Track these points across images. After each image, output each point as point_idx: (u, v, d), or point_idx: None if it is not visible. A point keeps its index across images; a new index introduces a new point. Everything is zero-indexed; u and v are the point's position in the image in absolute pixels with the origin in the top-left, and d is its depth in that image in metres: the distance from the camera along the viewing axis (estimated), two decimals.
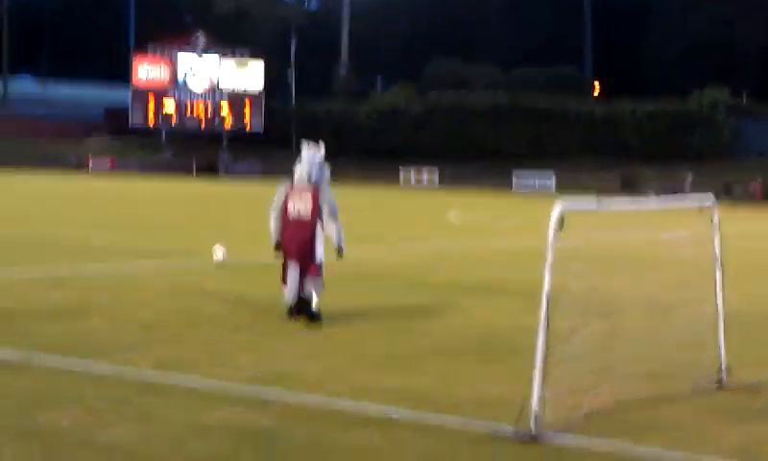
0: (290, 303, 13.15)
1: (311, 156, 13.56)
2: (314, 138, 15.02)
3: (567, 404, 8.28)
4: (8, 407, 8.10)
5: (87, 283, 15.99)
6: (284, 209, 13.30)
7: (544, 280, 8.01)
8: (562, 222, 8.01)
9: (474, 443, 7.77)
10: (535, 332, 11.47)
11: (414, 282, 17.68)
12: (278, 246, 13.38)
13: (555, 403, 8.09)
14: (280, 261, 13.28)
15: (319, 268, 13.12)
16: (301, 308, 13.06)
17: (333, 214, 13.27)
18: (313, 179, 13.38)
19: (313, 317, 12.94)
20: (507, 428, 7.95)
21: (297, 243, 13.14)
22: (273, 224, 13.48)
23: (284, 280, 13.22)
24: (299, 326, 12.63)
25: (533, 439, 7.80)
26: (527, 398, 7.98)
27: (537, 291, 15.82)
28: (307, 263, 13.06)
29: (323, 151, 13.67)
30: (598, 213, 9.29)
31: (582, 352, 8.68)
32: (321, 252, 13.19)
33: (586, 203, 8.91)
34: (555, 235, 8.02)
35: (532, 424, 7.85)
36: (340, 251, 13.36)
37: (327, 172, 13.73)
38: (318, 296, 13.07)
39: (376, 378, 9.80)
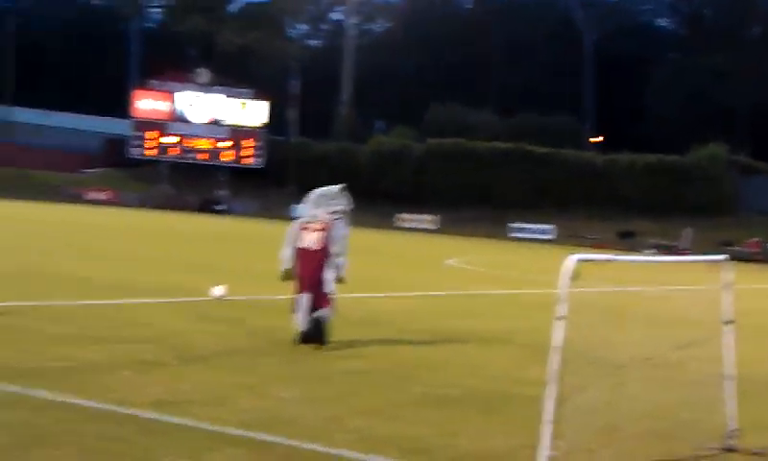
0: (300, 329, 14.24)
1: (317, 192, 14.92)
2: (312, 178, 16.39)
3: None
4: (3, 443, 7.92)
5: (84, 318, 15.83)
6: (297, 243, 14.52)
7: (555, 332, 7.82)
8: (576, 273, 7.85)
9: None
10: (538, 384, 11.30)
11: (414, 329, 17.53)
12: (287, 274, 14.64)
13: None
14: (292, 292, 14.44)
15: (329, 299, 14.30)
16: (308, 336, 14.14)
17: (342, 251, 14.53)
18: (321, 214, 14.60)
19: (323, 342, 14.14)
20: None
21: (308, 274, 14.32)
22: (285, 251, 14.66)
23: (295, 310, 14.35)
24: (300, 368, 12.48)
25: None
26: (533, 453, 7.81)
27: (540, 341, 15.70)
28: (318, 293, 14.24)
29: (336, 187, 15.06)
30: (609, 265, 9.13)
31: (588, 409, 8.51)
32: (331, 282, 14.40)
33: (601, 255, 8.75)
34: (567, 287, 7.85)
35: None
36: (341, 280, 14.56)
37: (344, 203, 14.95)
38: (326, 325, 14.27)
39: (377, 427, 9.63)
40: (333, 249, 14.40)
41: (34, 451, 7.78)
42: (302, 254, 14.43)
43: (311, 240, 14.42)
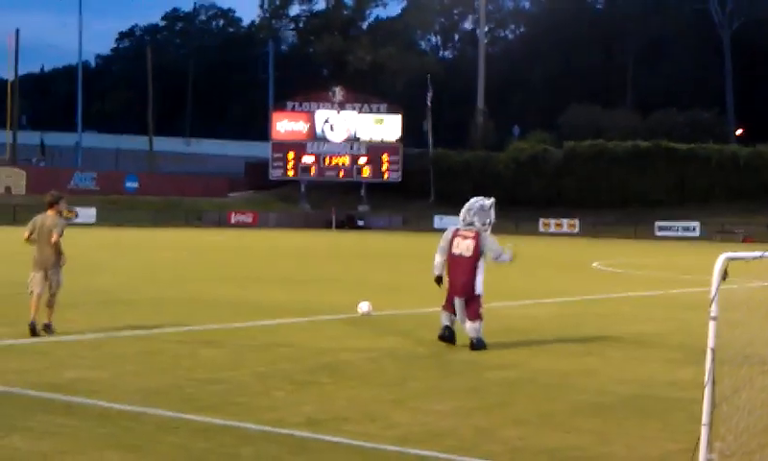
0: (448, 322, 15.46)
1: (472, 201, 15.84)
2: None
3: None
4: None
5: (236, 340, 16.10)
6: (449, 250, 15.52)
7: (709, 332, 7.65)
8: (725, 272, 7.68)
9: None
10: (692, 387, 11.12)
11: (563, 336, 17.37)
12: (439, 279, 15.78)
13: None
14: (443, 293, 15.58)
15: (478, 307, 15.25)
16: (448, 336, 15.37)
17: (497, 257, 15.71)
18: (476, 224, 15.60)
19: (480, 346, 15.06)
20: None
21: (460, 279, 15.32)
22: (437, 259, 15.78)
23: (446, 307, 15.48)
24: (450, 381, 12.49)
25: None
26: (692, 458, 7.66)
27: (691, 343, 15.43)
28: (471, 296, 15.24)
29: (489, 200, 15.89)
30: (760, 262, 8.89)
31: (746, 410, 8.32)
32: (480, 287, 15.35)
33: (749, 252, 8.54)
34: (719, 286, 7.67)
35: None
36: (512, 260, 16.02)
37: (492, 216, 15.84)
38: (479, 333, 15.17)
39: (530, 437, 9.57)
40: (488, 255, 15.51)
41: None
42: (456, 260, 15.44)
43: (464, 247, 15.41)
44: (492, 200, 15.92)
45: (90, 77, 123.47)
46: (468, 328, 15.19)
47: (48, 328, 15.93)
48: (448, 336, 15.51)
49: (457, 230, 15.70)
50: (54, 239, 16.02)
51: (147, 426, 9.66)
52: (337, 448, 8.95)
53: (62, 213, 16.84)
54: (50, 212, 16.44)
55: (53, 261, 16.20)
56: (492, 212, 15.82)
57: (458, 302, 15.31)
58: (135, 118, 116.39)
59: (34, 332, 15.62)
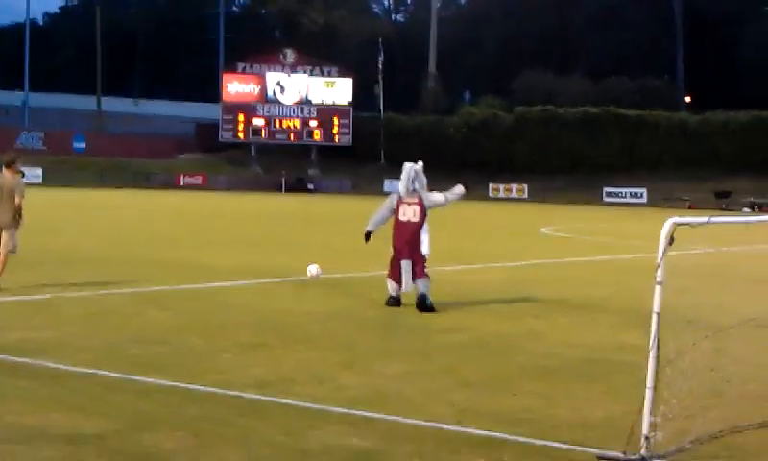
0: (394, 294, 15.96)
1: (408, 168, 16.28)
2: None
3: (676, 428, 8.02)
4: (114, 428, 8.09)
5: (184, 302, 16.05)
6: (396, 216, 16.16)
7: (654, 296, 7.72)
8: (672, 237, 7.73)
9: None
10: (637, 351, 11.22)
11: (511, 300, 17.48)
12: (368, 236, 16.59)
13: (664, 427, 7.85)
14: (390, 261, 16.09)
15: (424, 265, 15.82)
16: (420, 308, 15.54)
17: (447, 201, 16.61)
18: (417, 188, 16.16)
19: (429, 309, 15.48)
20: (615, 452, 7.72)
21: (407, 242, 15.91)
22: (376, 217, 16.51)
23: (391, 275, 16.02)
24: (398, 344, 12.54)
25: None
26: (635, 420, 7.74)
27: (638, 308, 15.57)
28: (417, 258, 15.80)
29: (420, 164, 16.40)
30: (706, 228, 8.97)
31: (690, 374, 8.41)
32: (426, 247, 15.95)
33: (697, 217, 8.58)
34: (665, 250, 7.73)
35: (643, 449, 7.60)
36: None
37: (425, 179, 16.38)
38: (428, 289, 15.66)
39: (478, 399, 9.64)
40: (441, 206, 16.56)
41: (144, 435, 7.93)
42: (403, 225, 16.05)
43: (411, 213, 16.07)
44: (421, 163, 16.48)
45: (38, 35, 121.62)
46: (419, 284, 15.70)
47: None
48: (394, 304, 15.96)
49: (400, 197, 16.23)
50: (17, 202, 16.17)
51: (94, 387, 9.63)
52: (285, 410, 8.96)
53: (19, 173, 16.78)
54: (7, 172, 16.34)
55: (9, 222, 16.21)
56: (422, 174, 16.47)
57: (405, 264, 15.83)
58: (84, 77, 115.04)
59: None
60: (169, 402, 9.08)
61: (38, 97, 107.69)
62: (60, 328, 12.85)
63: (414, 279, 15.76)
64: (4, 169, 16.64)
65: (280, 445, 7.83)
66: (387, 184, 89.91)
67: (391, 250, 16.10)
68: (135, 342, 12.03)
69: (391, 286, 16.05)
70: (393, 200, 16.35)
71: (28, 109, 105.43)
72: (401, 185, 16.26)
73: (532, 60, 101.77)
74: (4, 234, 16.34)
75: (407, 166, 16.35)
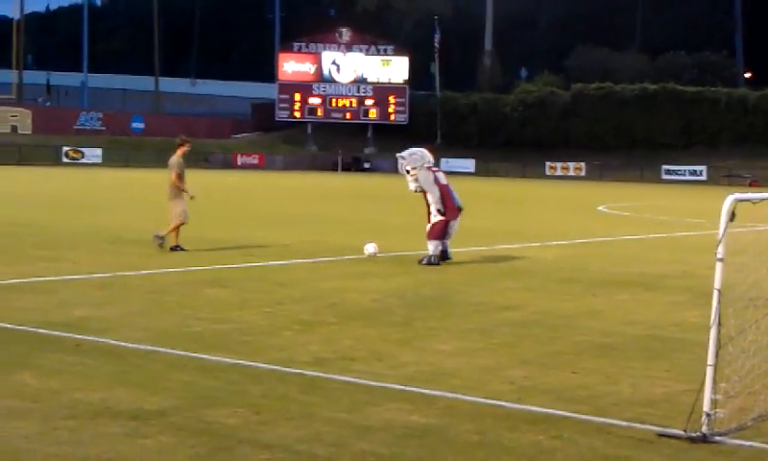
0: (444, 249, 18.79)
1: (423, 152, 19.69)
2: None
3: (738, 405, 7.98)
4: (176, 405, 8.18)
5: (243, 281, 16.17)
6: (440, 184, 18.86)
7: (715, 273, 7.65)
8: (733, 213, 7.65)
9: (643, 444, 7.52)
10: (697, 329, 11.17)
11: (569, 278, 17.42)
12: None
13: (725, 404, 7.80)
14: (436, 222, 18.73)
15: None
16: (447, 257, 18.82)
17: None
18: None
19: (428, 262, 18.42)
20: (676, 430, 7.68)
21: (454, 202, 18.98)
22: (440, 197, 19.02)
23: (441, 237, 18.65)
24: (456, 322, 12.54)
25: (703, 441, 7.51)
26: (696, 398, 7.70)
27: (698, 285, 15.50)
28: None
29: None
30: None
31: (751, 351, 8.35)
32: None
33: (757, 194, 8.50)
34: (726, 227, 7.64)
35: (704, 426, 7.56)
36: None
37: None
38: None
39: (536, 377, 9.63)
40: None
41: (206, 412, 8.01)
42: (448, 188, 19.00)
43: (443, 177, 19.23)
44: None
45: (96, 16, 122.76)
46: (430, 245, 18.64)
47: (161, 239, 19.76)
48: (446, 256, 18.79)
49: (429, 167, 19.15)
50: (171, 177, 19.91)
51: (155, 364, 9.74)
52: (345, 387, 9.01)
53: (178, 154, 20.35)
54: (175, 152, 20.29)
55: (169, 195, 19.97)
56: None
57: (454, 224, 18.90)
58: (141, 58, 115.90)
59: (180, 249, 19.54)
60: (230, 379, 9.16)
61: (97, 78, 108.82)
62: (121, 306, 13.01)
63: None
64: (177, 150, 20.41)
65: (341, 421, 7.87)
66: (443, 163, 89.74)
67: (437, 215, 18.64)
68: (196, 320, 12.15)
69: (443, 243, 18.73)
70: (429, 175, 19.01)
71: (87, 89, 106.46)
72: (427, 159, 19.33)
73: (588, 36, 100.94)
74: (170, 205, 19.85)
75: (418, 150, 19.73)
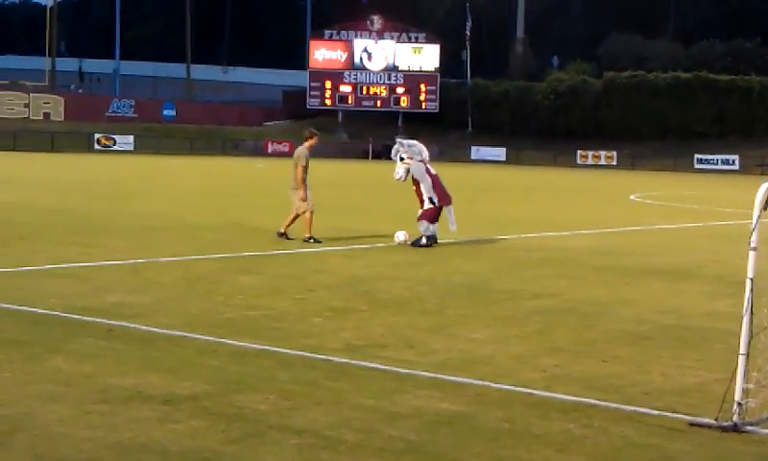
0: (434, 234, 19.48)
1: (417, 144, 20.54)
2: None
3: None
4: (207, 390, 8.22)
5: (274, 267, 16.22)
6: (431, 174, 19.66)
7: (748, 262, 7.61)
8: (766, 203, 7.59)
9: (674, 433, 7.49)
10: (729, 318, 11.11)
11: (601, 266, 17.37)
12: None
13: (756, 394, 7.76)
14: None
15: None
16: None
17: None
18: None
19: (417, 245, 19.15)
20: (707, 419, 7.65)
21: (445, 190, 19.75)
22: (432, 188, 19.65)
23: (432, 220, 19.39)
24: (488, 310, 12.53)
25: (735, 430, 7.48)
26: (728, 387, 7.66)
27: (730, 275, 15.42)
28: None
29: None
30: None
31: None
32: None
33: None
34: (759, 215, 7.58)
35: (735, 416, 7.53)
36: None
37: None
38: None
39: (567, 365, 9.61)
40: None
41: (236, 397, 8.04)
42: (437, 178, 19.70)
43: (432, 169, 19.92)
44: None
45: (129, 3, 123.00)
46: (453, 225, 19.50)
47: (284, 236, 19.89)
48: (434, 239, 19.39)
49: (421, 161, 19.91)
50: (296, 170, 20.04)
51: (186, 350, 9.79)
52: (375, 374, 9.02)
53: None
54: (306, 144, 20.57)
55: (292, 186, 20.29)
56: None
57: (447, 209, 19.53)
58: (173, 45, 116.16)
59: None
60: (261, 365, 9.20)
61: (129, 65, 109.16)
62: (152, 293, 13.07)
63: (454, 222, 19.48)
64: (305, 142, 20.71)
65: (371, 408, 7.89)
66: (474, 152, 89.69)
67: (429, 205, 19.32)
68: (227, 306, 12.19)
69: (434, 227, 19.42)
70: (421, 167, 19.75)
71: (119, 77, 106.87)
72: (424, 154, 20.09)
73: (620, 23, 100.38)
74: (292, 195, 20.21)
75: (411, 141, 20.69)
